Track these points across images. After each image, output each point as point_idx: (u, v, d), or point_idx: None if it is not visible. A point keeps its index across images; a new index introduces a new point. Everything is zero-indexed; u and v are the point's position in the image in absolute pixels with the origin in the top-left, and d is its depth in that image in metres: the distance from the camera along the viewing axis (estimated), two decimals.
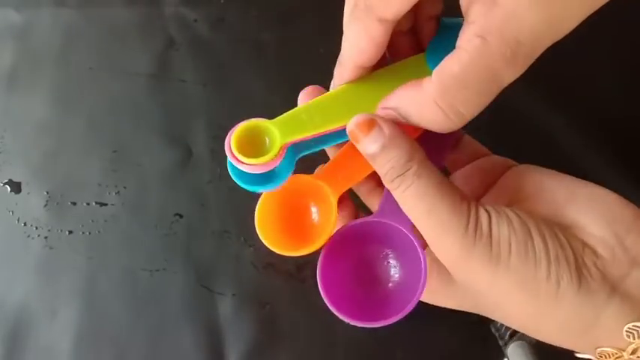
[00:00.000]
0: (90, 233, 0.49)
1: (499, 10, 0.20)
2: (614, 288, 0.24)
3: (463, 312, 0.41)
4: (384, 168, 0.25)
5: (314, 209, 0.30)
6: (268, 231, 0.29)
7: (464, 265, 0.24)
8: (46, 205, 0.50)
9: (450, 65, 0.22)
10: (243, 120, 0.26)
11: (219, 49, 0.56)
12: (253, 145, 0.26)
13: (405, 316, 0.26)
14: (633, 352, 0.24)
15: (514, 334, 0.42)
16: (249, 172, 0.26)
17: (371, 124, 0.25)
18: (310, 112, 0.27)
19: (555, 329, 0.25)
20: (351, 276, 0.29)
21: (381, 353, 0.44)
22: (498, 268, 0.23)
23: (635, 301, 0.24)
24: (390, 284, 0.29)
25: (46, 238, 0.48)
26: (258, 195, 0.29)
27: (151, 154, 0.51)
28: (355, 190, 0.32)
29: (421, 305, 0.28)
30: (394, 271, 0.29)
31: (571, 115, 0.51)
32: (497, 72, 0.21)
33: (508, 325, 0.28)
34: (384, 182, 0.26)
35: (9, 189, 0.51)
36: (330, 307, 0.27)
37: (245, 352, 0.44)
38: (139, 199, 0.50)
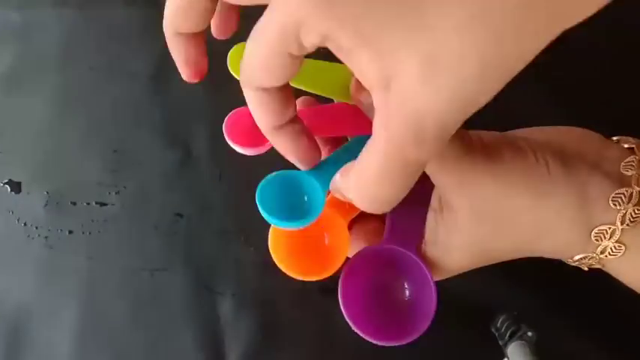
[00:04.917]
0: (90, 233, 0.49)
1: (393, 96, 0.18)
2: (592, 167, 0.27)
3: (463, 312, 0.41)
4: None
5: (326, 234, 0.30)
6: (282, 255, 0.29)
7: (467, 169, 0.26)
8: (46, 205, 0.50)
9: (363, 167, 0.20)
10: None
11: (219, 48, 0.56)
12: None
13: (418, 337, 0.29)
14: (622, 221, 0.26)
15: (514, 334, 0.42)
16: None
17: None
18: None
19: (552, 217, 0.27)
20: (369, 298, 0.30)
21: (381, 353, 0.44)
22: (496, 166, 0.26)
23: (614, 176, 0.26)
24: (405, 304, 0.31)
25: (46, 238, 0.48)
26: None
27: (151, 154, 0.51)
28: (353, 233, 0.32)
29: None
30: (408, 293, 0.31)
31: (571, 115, 0.51)
32: (409, 162, 0.19)
33: (512, 245, 0.29)
34: None
35: (9, 189, 0.51)
36: (354, 328, 0.29)
37: (245, 352, 0.44)
38: (139, 199, 0.50)
